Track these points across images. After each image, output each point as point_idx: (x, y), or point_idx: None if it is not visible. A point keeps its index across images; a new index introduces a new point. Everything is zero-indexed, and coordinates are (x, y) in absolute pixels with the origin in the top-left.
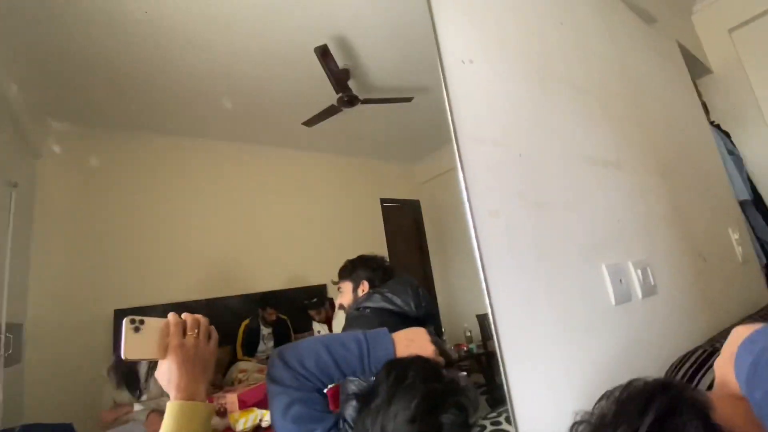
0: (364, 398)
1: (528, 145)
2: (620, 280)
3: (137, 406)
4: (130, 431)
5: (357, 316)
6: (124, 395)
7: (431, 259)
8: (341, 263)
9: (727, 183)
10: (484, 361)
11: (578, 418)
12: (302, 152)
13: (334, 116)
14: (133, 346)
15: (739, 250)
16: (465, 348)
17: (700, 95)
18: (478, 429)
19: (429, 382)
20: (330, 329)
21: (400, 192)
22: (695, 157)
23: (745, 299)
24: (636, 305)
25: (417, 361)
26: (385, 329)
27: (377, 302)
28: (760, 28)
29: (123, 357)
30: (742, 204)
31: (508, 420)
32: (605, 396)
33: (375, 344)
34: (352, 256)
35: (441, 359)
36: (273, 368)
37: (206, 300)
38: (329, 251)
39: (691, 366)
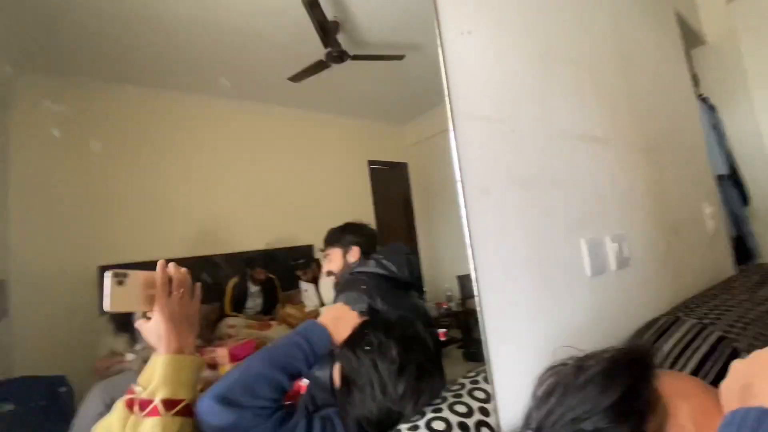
0: (344, 387)
1: (520, 122)
2: (597, 253)
3: (129, 356)
4: (125, 380)
5: (353, 281)
6: (121, 342)
7: (416, 222)
8: (328, 224)
9: (706, 158)
10: (462, 319)
11: (555, 364)
12: (290, 109)
13: (323, 72)
14: (117, 298)
15: (710, 223)
16: (445, 306)
17: (691, 67)
18: (456, 389)
19: (389, 332)
20: (317, 289)
21: (389, 154)
22: (679, 132)
23: (710, 271)
24: (610, 276)
25: (366, 326)
26: (311, 321)
27: (372, 267)
28: (759, 1)
29: (106, 309)
30: (719, 178)
31: (486, 379)
32: (586, 357)
33: (314, 339)
34: (339, 217)
35: (366, 317)
36: (218, 418)
37: (195, 258)
38: (316, 212)
39: (653, 334)
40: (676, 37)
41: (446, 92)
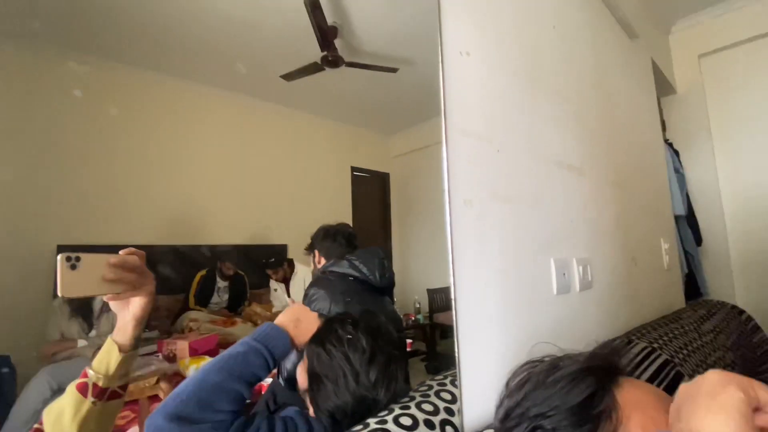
0: (313, 384)
1: (506, 142)
2: (564, 274)
3: (81, 342)
4: (75, 366)
5: (321, 278)
6: (74, 327)
7: (392, 233)
8: (305, 225)
9: (668, 198)
10: (428, 332)
11: (533, 359)
12: (279, 106)
13: (315, 75)
14: (70, 283)
15: (666, 258)
16: (413, 318)
17: (661, 113)
18: (424, 389)
19: (356, 325)
20: (287, 289)
21: (371, 162)
22: (647, 172)
23: (664, 301)
24: (573, 296)
25: (333, 323)
26: (270, 324)
27: (344, 268)
28: (727, 59)
29: (60, 294)
30: (677, 218)
31: (453, 383)
32: (562, 357)
33: (273, 343)
34: (317, 219)
35: (323, 318)
36: None
37: (164, 246)
38: (294, 212)
39: None
40: (651, 83)
41: (443, 106)
